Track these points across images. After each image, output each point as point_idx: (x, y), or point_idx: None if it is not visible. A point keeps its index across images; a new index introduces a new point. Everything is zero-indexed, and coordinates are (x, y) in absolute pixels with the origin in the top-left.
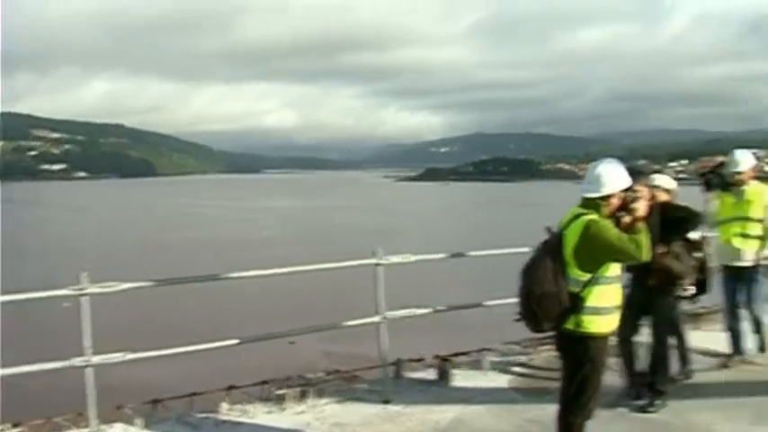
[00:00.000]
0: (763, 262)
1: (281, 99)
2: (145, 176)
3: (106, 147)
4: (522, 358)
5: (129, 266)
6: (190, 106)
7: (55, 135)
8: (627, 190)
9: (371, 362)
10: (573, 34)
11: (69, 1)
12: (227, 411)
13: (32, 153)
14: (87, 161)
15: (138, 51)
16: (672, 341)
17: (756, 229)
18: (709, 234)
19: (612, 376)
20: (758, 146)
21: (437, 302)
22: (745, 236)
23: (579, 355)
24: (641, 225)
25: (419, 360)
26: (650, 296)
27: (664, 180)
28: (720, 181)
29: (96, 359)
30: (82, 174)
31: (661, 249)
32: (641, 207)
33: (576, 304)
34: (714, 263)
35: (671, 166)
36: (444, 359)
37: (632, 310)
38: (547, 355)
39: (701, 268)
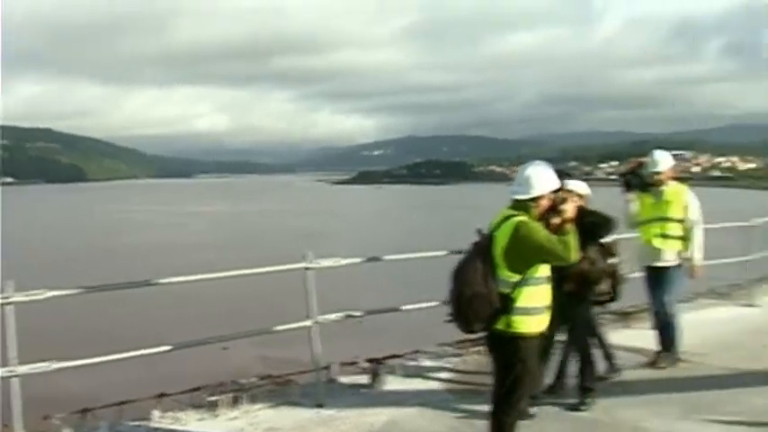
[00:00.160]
0: (683, 262)
1: (214, 103)
2: (75, 182)
3: (33, 151)
4: (455, 360)
5: (55, 274)
6: (122, 110)
7: None
8: (556, 192)
9: (305, 366)
10: (504, 38)
11: None
12: (158, 419)
13: None
14: (14, 166)
15: (67, 54)
16: (593, 342)
17: (676, 230)
18: (622, 238)
19: (544, 375)
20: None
21: (370, 305)
22: (664, 236)
23: (510, 355)
24: (570, 226)
25: (352, 363)
26: (567, 300)
27: (577, 185)
28: (639, 182)
29: (22, 369)
30: (8, 179)
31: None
32: (570, 209)
33: (506, 305)
34: (631, 265)
35: (601, 167)
36: (377, 362)
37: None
38: (479, 356)
39: (614, 273)
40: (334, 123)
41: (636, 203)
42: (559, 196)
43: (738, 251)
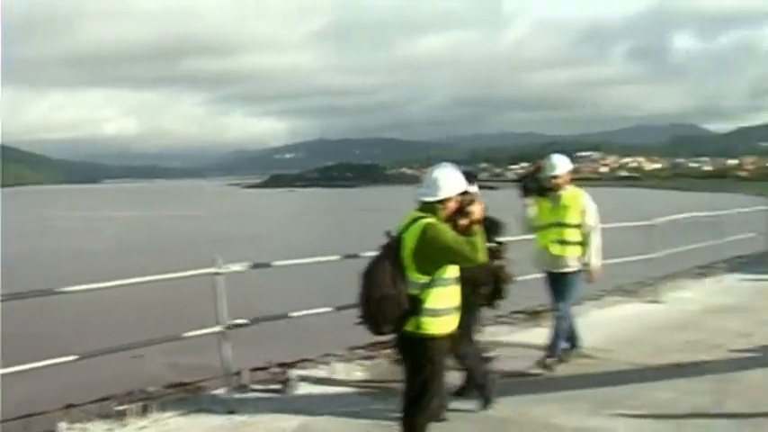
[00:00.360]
0: (582, 267)
1: (122, 106)
2: None
3: None
4: (366, 362)
5: None
6: (27, 114)
7: None
8: (463, 194)
9: (216, 373)
10: (416, 40)
11: None
12: (65, 431)
13: None
14: None
15: None
16: (481, 342)
17: (574, 235)
18: (513, 240)
19: (451, 376)
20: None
21: (281, 310)
22: (562, 242)
23: (419, 356)
24: (477, 228)
25: (263, 368)
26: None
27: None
28: (537, 186)
29: None
30: None
31: None
32: (477, 210)
33: (414, 306)
34: (522, 267)
35: (512, 169)
36: (289, 366)
37: None
38: (390, 358)
39: (499, 276)
40: (245, 127)
41: (533, 208)
42: (466, 198)
43: (643, 249)
